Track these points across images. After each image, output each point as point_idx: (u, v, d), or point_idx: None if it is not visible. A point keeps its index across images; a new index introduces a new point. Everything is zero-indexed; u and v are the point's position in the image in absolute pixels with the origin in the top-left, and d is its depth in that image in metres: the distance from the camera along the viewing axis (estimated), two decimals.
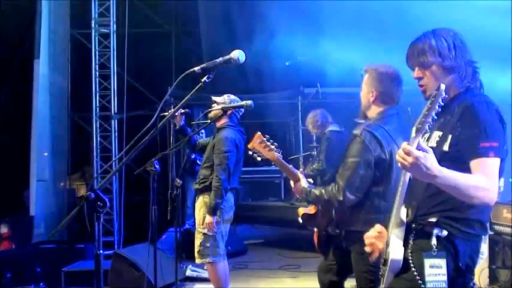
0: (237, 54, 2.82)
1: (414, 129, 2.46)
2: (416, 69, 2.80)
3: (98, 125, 9.80)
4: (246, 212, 10.14)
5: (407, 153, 2.39)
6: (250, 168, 11.09)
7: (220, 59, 2.80)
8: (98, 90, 9.76)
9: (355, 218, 3.65)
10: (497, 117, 2.63)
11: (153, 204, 4.58)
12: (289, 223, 8.93)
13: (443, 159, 2.56)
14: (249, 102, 4.67)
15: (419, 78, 2.80)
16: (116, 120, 9.79)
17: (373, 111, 3.80)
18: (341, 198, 3.59)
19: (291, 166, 4.07)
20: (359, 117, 3.99)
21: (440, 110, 2.46)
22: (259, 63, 9.23)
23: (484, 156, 2.52)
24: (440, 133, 2.64)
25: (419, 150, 2.39)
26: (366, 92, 3.80)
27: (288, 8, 9.67)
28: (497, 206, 5.86)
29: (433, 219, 2.61)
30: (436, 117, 2.44)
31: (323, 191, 3.73)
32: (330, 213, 3.93)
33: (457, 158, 2.59)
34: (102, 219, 2.61)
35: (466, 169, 2.54)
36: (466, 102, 2.63)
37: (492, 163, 2.53)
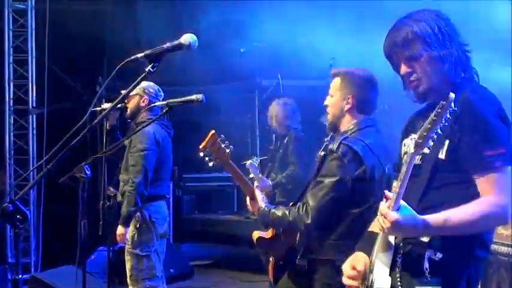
0: (189, 39, 2.80)
1: (413, 143, 2.47)
2: (403, 64, 2.78)
3: (12, 121, 9.59)
4: (192, 227, 10.15)
5: (385, 217, 2.46)
6: (197, 175, 11.11)
7: (168, 44, 2.77)
8: (12, 78, 9.56)
9: (325, 244, 3.68)
10: (501, 116, 2.63)
11: (83, 217, 4.54)
12: (243, 241, 8.95)
13: (439, 168, 2.60)
14: (200, 96, 4.64)
15: (409, 74, 2.77)
16: (35, 116, 9.62)
17: (347, 122, 3.84)
18: (308, 221, 3.60)
19: (248, 177, 4.08)
20: (327, 131, 4.03)
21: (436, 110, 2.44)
22: (209, 48, 9.22)
23: (491, 168, 2.53)
24: (434, 136, 2.60)
25: (396, 207, 2.44)
26: (339, 99, 3.83)
27: None
28: None
29: (426, 239, 2.59)
30: (441, 132, 2.43)
31: (287, 212, 3.74)
32: (291, 239, 3.94)
33: (455, 168, 2.60)
34: (21, 237, 2.57)
35: (468, 182, 2.57)
36: (464, 99, 2.61)
37: (501, 175, 2.54)
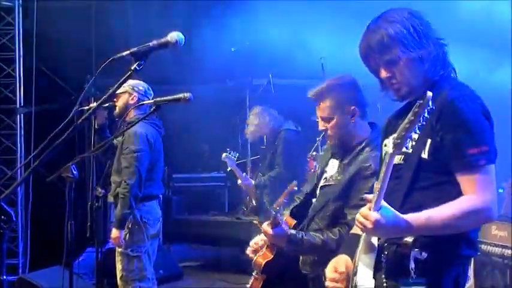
0: (175, 37, 2.81)
1: (392, 143, 2.47)
2: (382, 69, 2.75)
3: None
4: (182, 228, 10.12)
5: (366, 218, 2.47)
6: (187, 175, 11.10)
7: (155, 42, 2.78)
8: None
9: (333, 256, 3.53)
10: (483, 113, 2.62)
11: (70, 218, 4.51)
12: (234, 242, 8.95)
13: (422, 168, 2.60)
14: (187, 94, 4.63)
15: (389, 78, 2.74)
16: (22, 115, 9.59)
17: (359, 134, 3.76)
18: None
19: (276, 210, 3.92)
20: (334, 151, 3.89)
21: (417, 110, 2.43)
22: (199, 47, 9.22)
23: (474, 166, 2.53)
24: (416, 136, 2.60)
25: (377, 208, 2.45)
26: (341, 117, 3.72)
27: None
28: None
29: (410, 239, 2.58)
30: (418, 131, 2.44)
31: (326, 239, 3.63)
32: (293, 255, 3.89)
33: (438, 167, 2.60)
34: (5, 237, 2.56)
35: (452, 181, 2.57)
36: (445, 98, 2.61)
37: (485, 173, 2.54)
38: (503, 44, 7.42)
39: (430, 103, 2.38)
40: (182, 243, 10.94)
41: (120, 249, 5.58)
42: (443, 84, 2.70)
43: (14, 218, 2.24)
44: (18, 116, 9.59)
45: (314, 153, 8.19)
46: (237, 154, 8.11)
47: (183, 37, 2.82)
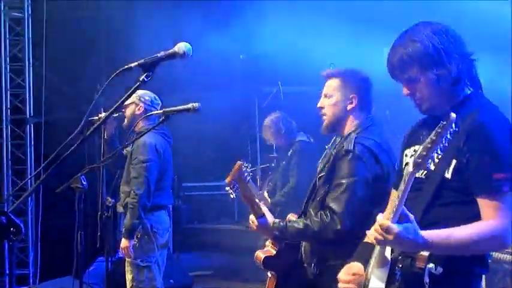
0: (183, 48, 2.82)
1: (412, 162, 2.46)
2: (404, 86, 2.79)
3: (9, 131, 9.59)
4: (192, 237, 10.13)
5: (386, 231, 2.44)
6: (196, 184, 11.11)
7: (162, 53, 2.79)
8: (9, 88, 9.56)
9: (340, 249, 3.50)
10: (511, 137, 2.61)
11: (80, 229, 4.52)
12: (243, 250, 8.93)
13: (444, 187, 2.59)
14: (196, 104, 4.65)
15: (411, 95, 2.78)
16: (32, 125, 9.62)
17: (350, 123, 3.84)
18: (339, 227, 3.56)
19: (261, 202, 4.03)
20: (323, 132, 3.99)
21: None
22: (208, 55, 9.24)
23: (497, 192, 2.52)
24: (440, 154, 2.57)
25: (396, 222, 2.43)
26: (340, 100, 3.83)
27: None
28: None
29: (426, 253, 2.58)
30: (441, 152, 2.42)
31: (309, 223, 3.70)
32: (295, 251, 3.93)
33: (461, 189, 2.60)
34: (15, 250, 2.57)
35: (472, 203, 2.57)
36: (475, 119, 2.60)
37: (506, 200, 2.53)
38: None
39: (454, 125, 2.37)
40: (192, 252, 10.92)
41: (129, 260, 5.58)
42: (472, 102, 2.70)
43: (23, 230, 2.24)
44: (28, 126, 9.63)
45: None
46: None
47: (190, 47, 2.83)
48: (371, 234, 2.52)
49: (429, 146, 2.40)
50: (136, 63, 2.74)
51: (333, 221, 3.57)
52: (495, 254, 5.96)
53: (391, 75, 2.81)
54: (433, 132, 2.40)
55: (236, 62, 9.98)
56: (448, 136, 2.38)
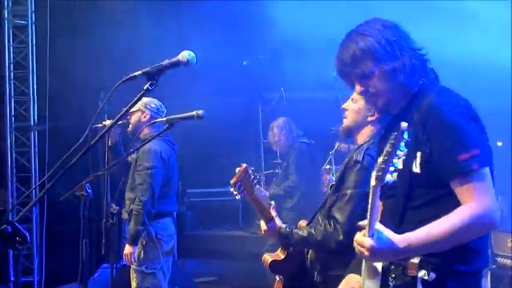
0: (186, 56, 2.83)
1: (374, 176, 2.41)
2: (356, 84, 2.75)
3: (14, 139, 9.60)
4: (197, 243, 10.12)
5: (362, 246, 2.42)
6: (201, 190, 11.11)
7: (166, 61, 2.81)
8: (13, 95, 9.57)
9: (343, 260, 3.49)
10: (470, 116, 2.56)
11: (84, 236, 4.54)
12: (248, 256, 8.94)
13: (416, 183, 2.55)
14: (200, 112, 4.66)
15: (364, 92, 2.74)
16: (36, 133, 9.63)
17: (366, 134, 3.83)
18: (341, 238, 3.57)
19: (271, 205, 4.05)
20: (341, 143, 4.01)
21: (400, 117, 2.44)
22: (211, 62, 9.25)
23: (467, 173, 2.45)
24: (405, 150, 2.51)
25: (371, 233, 2.40)
26: (363, 108, 3.79)
27: None
28: (500, 235, 5.91)
29: (416, 260, 2.54)
30: (396, 165, 2.37)
31: (313, 231, 3.71)
32: (302, 257, 3.94)
33: (432, 181, 2.54)
34: (21, 259, 2.57)
35: (448, 195, 2.50)
36: (428, 105, 2.56)
37: (479, 177, 2.46)
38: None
39: (406, 135, 2.35)
40: (196, 258, 10.93)
41: (134, 267, 5.59)
42: (427, 92, 2.66)
43: (28, 239, 2.25)
44: (32, 133, 9.64)
45: (328, 166, 8.19)
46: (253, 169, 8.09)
47: (194, 56, 2.84)
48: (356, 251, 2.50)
49: (385, 158, 2.37)
50: (140, 71, 2.75)
51: (336, 231, 3.59)
52: (500, 260, 5.96)
53: (340, 74, 2.78)
54: (388, 144, 2.38)
55: (239, 68, 9.98)
56: (403, 146, 2.35)
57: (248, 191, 4.01)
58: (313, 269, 3.87)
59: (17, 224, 2.48)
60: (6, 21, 9.56)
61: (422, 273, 2.53)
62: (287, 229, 3.87)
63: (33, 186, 9.16)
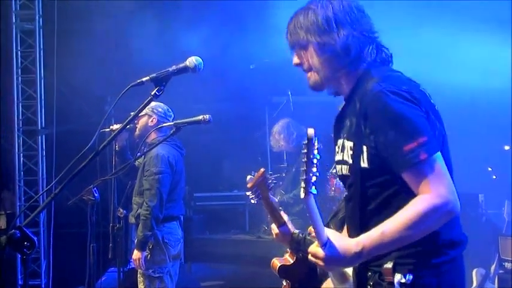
0: (194, 62, 2.85)
1: (302, 190, 2.36)
2: (294, 55, 2.73)
3: (21, 142, 9.64)
4: (203, 247, 10.10)
5: (316, 257, 2.40)
6: (208, 194, 11.09)
7: (174, 67, 2.82)
8: (20, 99, 9.61)
9: None
10: (411, 99, 2.43)
11: (92, 241, 4.55)
12: (255, 260, 8.94)
13: (367, 179, 2.47)
14: (207, 116, 4.67)
15: (299, 65, 2.72)
16: (44, 136, 9.66)
17: None
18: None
19: (281, 210, 4.06)
20: None
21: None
22: (218, 65, 9.26)
23: (415, 163, 2.34)
24: (351, 143, 2.46)
25: (323, 242, 2.36)
26: None
27: (254, 2, 9.72)
28: (506, 240, 5.90)
29: (389, 265, 2.46)
30: (317, 174, 2.32)
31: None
32: (310, 263, 3.94)
33: (383, 175, 2.45)
34: (29, 264, 2.59)
35: (404, 190, 2.41)
36: (367, 94, 2.46)
37: (430, 165, 2.35)
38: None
39: (316, 141, 2.29)
40: (203, 262, 10.93)
41: (142, 271, 5.60)
42: (368, 77, 2.56)
43: (36, 244, 2.26)
44: (40, 137, 9.67)
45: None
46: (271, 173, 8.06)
47: (201, 61, 2.86)
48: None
49: (304, 169, 2.32)
50: (148, 77, 2.77)
51: None
52: (507, 264, 5.95)
53: (288, 43, 2.75)
54: (303, 155, 2.33)
55: (246, 72, 9.97)
56: (316, 154, 2.30)
57: (264, 196, 4.00)
58: (323, 275, 3.88)
59: (25, 229, 2.49)
60: (14, 26, 9.60)
61: (398, 277, 2.43)
62: (300, 235, 3.86)
63: (41, 192, 9.17)
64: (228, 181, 11.26)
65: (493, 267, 6.26)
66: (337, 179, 8.00)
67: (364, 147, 2.45)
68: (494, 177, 8.05)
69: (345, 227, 2.85)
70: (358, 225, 2.51)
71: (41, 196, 8.10)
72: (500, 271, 6.02)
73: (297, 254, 4.06)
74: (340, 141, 2.65)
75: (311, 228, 4.02)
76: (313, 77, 2.68)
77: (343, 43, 2.55)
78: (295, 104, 9.69)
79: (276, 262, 4.14)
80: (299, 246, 3.88)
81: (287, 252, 4.20)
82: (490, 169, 8.13)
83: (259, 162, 10.51)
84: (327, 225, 3.91)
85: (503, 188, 7.07)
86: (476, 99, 8.62)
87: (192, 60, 2.83)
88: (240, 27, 9.83)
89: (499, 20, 8.05)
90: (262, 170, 3.98)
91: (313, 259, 2.42)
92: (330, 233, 2.39)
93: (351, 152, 2.47)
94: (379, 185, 2.47)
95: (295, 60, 2.72)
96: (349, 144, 2.53)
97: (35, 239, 2.52)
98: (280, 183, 8.23)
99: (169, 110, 5.83)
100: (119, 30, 10.25)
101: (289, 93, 9.71)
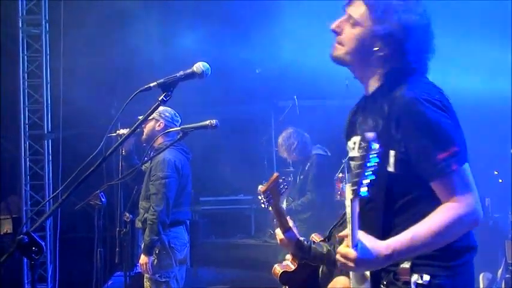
0: (201, 67, 2.85)
1: (350, 189, 2.34)
2: (337, 22, 2.68)
3: (28, 147, 9.65)
4: (209, 251, 10.09)
5: (346, 258, 2.36)
6: (214, 198, 11.09)
7: (181, 73, 2.82)
8: (26, 103, 9.63)
9: None
10: (444, 108, 2.45)
11: (99, 245, 4.56)
12: (260, 265, 8.91)
13: (393, 183, 2.47)
14: (214, 121, 4.66)
15: (336, 33, 2.69)
16: (50, 141, 9.67)
17: None
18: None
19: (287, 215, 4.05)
20: None
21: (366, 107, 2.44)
22: (224, 70, 9.27)
23: (448, 172, 2.38)
24: (377, 160, 2.40)
25: (354, 244, 2.33)
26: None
27: (259, 6, 9.73)
28: None
29: (407, 265, 2.50)
30: (372, 175, 2.27)
31: (332, 251, 3.71)
32: (312, 270, 3.95)
33: (409, 180, 2.47)
34: (37, 269, 2.59)
35: (428, 195, 2.44)
36: (400, 100, 2.44)
37: (460, 175, 2.40)
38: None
39: (374, 146, 2.25)
40: (209, 266, 10.92)
41: (148, 275, 5.61)
42: (398, 80, 2.55)
43: (44, 250, 2.27)
44: (46, 141, 9.68)
45: (340, 175, 8.16)
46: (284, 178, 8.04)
47: (209, 67, 2.86)
48: (339, 265, 2.44)
49: (358, 171, 2.28)
50: (155, 82, 2.77)
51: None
52: None
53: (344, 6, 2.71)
54: (359, 156, 2.28)
55: (252, 76, 9.98)
56: (375, 159, 2.26)
57: (275, 201, 3.99)
58: (325, 282, 3.87)
59: (33, 235, 2.49)
60: (20, 31, 9.63)
61: (415, 278, 2.47)
62: (305, 242, 3.83)
63: (49, 197, 9.18)
64: (233, 185, 11.25)
65: (499, 272, 6.26)
66: (343, 183, 8.00)
67: (392, 152, 2.47)
68: (500, 181, 8.03)
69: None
70: (381, 227, 2.52)
71: (48, 202, 8.10)
72: (507, 275, 6.02)
73: (300, 261, 4.05)
74: (357, 138, 2.64)
75: (314, 236, 4.03)
76: (340, 49, 2.67)
77: (386, 39, 2.55)
78: (301, 108, 9.69)
79: (278, 268, 4.12)
80: (303, 253, 3.86)
81: (288, 258, 4.19)
82: (496, 173, 8.12)
83: (265, 166, 10.52)
84: (330, 233, 3.93)
85: (510, 191, 7.06)
86: (480, 102, 8.60)
87: (199, 66, 2.83)
88: (246, 31, 9.84)
89: (502, 24, 8.06)
90: (276, 174, 3.96)
91: (342, 260, 2.39)
92: (361, 235, 2.37)
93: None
94: (403, 189, 2.50)
95: (334, 25, 2.68)
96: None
97: (43, 244, 2.53)
98: (287, 187, 8.22)
99: (177, 114, 5.84)
100: (125, 34, 10.26)
101: (295, 97, 9.70)
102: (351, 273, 2.67)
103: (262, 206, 4.05)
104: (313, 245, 3.82)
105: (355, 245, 2.34)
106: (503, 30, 8.11)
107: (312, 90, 9.66)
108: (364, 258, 2.33)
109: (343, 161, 8.07)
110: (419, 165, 2.43)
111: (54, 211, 3.06)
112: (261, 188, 3.99)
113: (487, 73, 8.38)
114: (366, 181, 2.29)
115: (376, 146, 2.25)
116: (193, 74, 2.83)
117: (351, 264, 2.35)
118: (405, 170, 2.46)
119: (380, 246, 2.36)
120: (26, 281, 8.96)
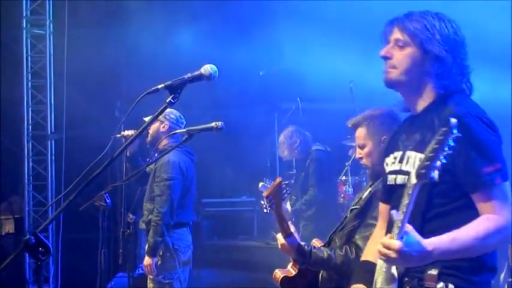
0: (209, 70, 2.85)
1: (415, 173, 2.38)
2: (386, 48, 2.72)
3: (31, 147, 9.66)
4: (211, 253, 10.09)
5: (387, 247, 2.37)
6: (216, 200, 11.09)
7: (189, 75, 2.83)
8: (30, 104, 9.64)
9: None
10: (492, 127, 2.57)
11: (103, 246, 4.56)
12: (263, 267, 8.90)
13: (434, 191, 2.52)
14: (219, 123, 4.64)
15: (386, 58, 2.72)
16: (53, 141, 9.68)
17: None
18: None
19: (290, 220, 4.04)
20: (370, 180, 3.95)
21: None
22: (228, 72, 9.27)
23: (491, 186, 2.47)
24: (421, 156, 2.44)
25: (400, 236, 2.35)
26: (374, 146, 3.77)
27: (262, 8, 9.74)
28: None
29: (434, 272, 2.53)
30: (445, 161, 2.32)
31: (333, 255, 3.73)
32: (312, 275, 3.95)
33: (451, 190, 2.54)
34: (43, 270, 2.60)
35: (467, 206, 2.51)
36: (450, 115, 2.47)
37: (501, 191, 2.49)
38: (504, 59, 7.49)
39: (455, 131, 2.31)
40: (211, 268, 10.92)
41: (152, 276, 5.61)
42: (450, 98, 2.65)
43: (51, 250, 2.27)
44: (49, 142, 9.69)
45: (344, 177, 8.17)
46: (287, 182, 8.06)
47: (216, 69, 2.87)
48: (373, 253, 2.50)
49: (431, 155, 2.32)
50: (163, 84, 2.77)
51: (358, 259, 3.56)
52: None
53: (388, 26, 2.76)
54: (434, 140, 2.33)
55: (256, 78, 9.99)
56: (451, 143, 2.31)
57: (277, 205, 3.98)
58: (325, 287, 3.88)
59: (41, 236, 2.50)
60: (24, 31, 9.64)
61: (440, 286, 2.51)
62: (306, 247, 3.84)
63: (53, 200, 9.18)
64: (236, 187, 11.26)
65: (502, 276, 6.25)
66: (347, 186, 8.01)
67: (438, 162, 2.47)
68: None
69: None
70: (419, 226, 2.51)
71: (49, 199, 8.11)
72: (509, 279, 6.00)
73: (301, 266, 4.04)
74: (398, 153, 2.72)
75: (314, 241, 4.03)
76: (394, 73, 2.71)
77: (449, 65, 2.63)
78: (304, 110, 9.70)
79: (279, 273, 4.13)
80: (304, 258, 3.86)
81: (289, 263, 4.19)
82: None
83: (268, 168, 10.51)
84: (331, 238, 3.94)
85: None
86: (484, 105, 8.59)
87: (207, 68, 2.84)
88: (250, 33, 9.84)
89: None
90: (279, 179, 3.97)
91: (384, 250, 2.39)
92: (409, 229, 2.39)
93: (418, 163, 2.45)
94: (444, 198, 2.56)
95: (384, 52, 2.72)
96: (417, 156, 2.57)
97: (50, 244, 2.53)
98: (289, 190, 8.23)
99: (182, 116, 5.83)
100: (130, 36, 10.26)
101: (299, 99, 9.71)
102: (381, 271, 2.65)
103: (265, 211, 4.06)
104: (313, 250, 3.83)
105: (402, 236, 2.36)
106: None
107: (315, 93, 9.65)
108: (407, 250, 2.35)
109: (347, 164, 8.09)
110: (464, 176, 2.51)
111: (60, 212, 3.06)
112: (264, 192, 3.99)
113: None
114: (438, 163, 2.31)
115: (456, 131, 2.31)
116: (201, 76, 2.83)
117: (394, 255, 2.36)
118: (447, 181, 2.52)
119: (423, 242, 2.39)
120: (29, 281, 8.96)
